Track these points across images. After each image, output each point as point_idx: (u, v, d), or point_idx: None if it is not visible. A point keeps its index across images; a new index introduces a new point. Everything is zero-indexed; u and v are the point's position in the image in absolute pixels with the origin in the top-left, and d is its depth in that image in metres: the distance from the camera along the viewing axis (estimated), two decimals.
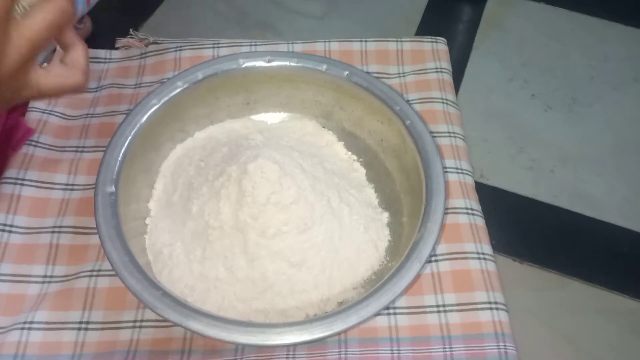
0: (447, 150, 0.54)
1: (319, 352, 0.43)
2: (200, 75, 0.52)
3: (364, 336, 0.44)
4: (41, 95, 0.34)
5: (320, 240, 0.45)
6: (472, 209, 0.50)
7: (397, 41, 0.62)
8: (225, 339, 0.38)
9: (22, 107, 0.55)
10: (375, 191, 0.52)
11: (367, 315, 0.39)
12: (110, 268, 0.41)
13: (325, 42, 0.61)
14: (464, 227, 0.49)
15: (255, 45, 0.61)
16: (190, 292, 0.44)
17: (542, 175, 0.57)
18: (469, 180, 0.52)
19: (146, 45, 0.63)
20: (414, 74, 0.59)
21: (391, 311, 0.45)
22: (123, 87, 0.58)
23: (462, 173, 0.52)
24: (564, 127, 0.61)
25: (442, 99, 0.57)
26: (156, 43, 0.63)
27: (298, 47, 0.61)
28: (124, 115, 0.51)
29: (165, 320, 0.39)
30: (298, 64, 0.53)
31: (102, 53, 0.61)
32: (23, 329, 0.43)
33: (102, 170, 0.46)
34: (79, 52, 0.36)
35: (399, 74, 0.60)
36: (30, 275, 0.46)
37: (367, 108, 0.53)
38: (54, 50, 0.58)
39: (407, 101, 0.51)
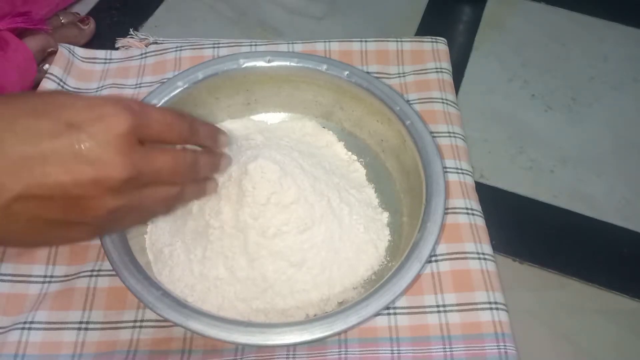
0: (447, 150, 0.54)
1: (318, 352, 0.43)
2: (200, 76, 0.52)
3: (364, 336, 0.44)
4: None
5: (320, 240, 0.45)
6: (472, 209, 0.50)
7: (397, 41, 0.62)
8: (225, 339, 0.39)
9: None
10: (375, 191, 0.52)
11: (367, 315, 0.40)
12: (111, 268, 0.41)
13: (325, 42, 0.61)
14: (464, 227, 0.49)
15: (256, 45, 0.61)
16: (191, 291, 0.44)
17: (541, 176, 0.57)
18: (469, 180, 0.53)
19: (146, 46, 0.63)
20: (414, 74, 0.59)
21: (391, 311, 0.45)
22: (123, 87, 0.58)
23: (462, 173, 0.52)
24: (564, 127, 0.61)
25: (442, 99, 0.57)
26: (156, 43, 0.63)
27: (298, 47, 0.61)
28: None
29: (166, 320, 0.39)
30: (298, 64, 0.53)
31: (102, 53, 0.61)
32: (23, 328, 0.43)
33: None
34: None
35: (399, 74, 0.60)
36: (30, 275, 0.46)
37: (367, 108, 0.53)
38: (54, 52, 0.59)
39: (407, 101, 0.51)
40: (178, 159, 0.34)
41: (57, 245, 0.31)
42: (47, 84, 0.56)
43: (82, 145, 0.26)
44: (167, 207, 0.35)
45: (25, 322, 0.44)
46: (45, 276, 0.46)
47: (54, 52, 0.59)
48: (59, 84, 0.57)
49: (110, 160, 0.27)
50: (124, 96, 0.30)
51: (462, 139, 0.55)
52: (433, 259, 0.47)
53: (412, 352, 0.43)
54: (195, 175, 0.36)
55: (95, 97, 0.28)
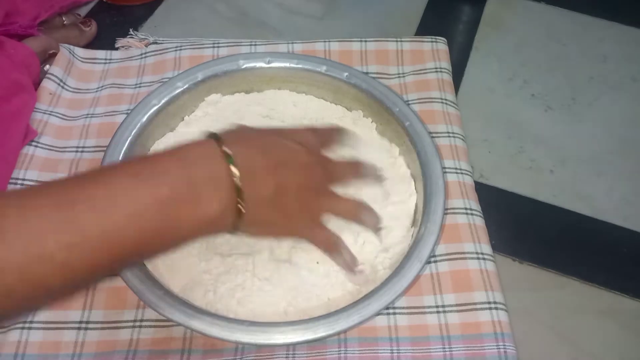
0: (446, 150, 0.54)
1: (318, 351, 0.43)
2: (200, 76, 0.52)
3: (364, 335, 0.44)
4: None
5: None
6: (471, 209, 0.50)
7: (397, 41, 0.62)
8: (227, 339, 0.39)
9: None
10: None
11: (368, 315, 0.40)
12: None
13: (325, 42, 0.61)
14: (463, 227, 0.49)
15: (255, 45, 0.61)
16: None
17: (541, 175, 0.57)
18: (468, 180, 0.52)
19: (146, 45, 0.63)
20: (413, 74, 0.59)
21: (390, 311, 0.45)
22: (123, 87, 0.58)
23: (461, 173, 0.52)
24: (564, 127, 0.61)
25: (442, 99, 0.57)
26: (156, 43, 0.63)
27: (298, 47, 0.61)
28: (124, 115, 0.51)
29: (168, 320, 0.39)
30: (297, 65, 0.53)
31: (102, 53, 0.61)
32: (23, 328, 0.43)
33: None
34: None
35: (398, 74, 0.60)
36: None
37: (367, 109, 0.53)
38: (55, 54, 0.59)
39: (406, 102, 0.51)
40: (352, 164, 0.45)
41: (286, 235, 0.44)
42: (47, 84, 0.56)
43: (296, 148, 0.39)
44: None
45: (25, 322, 0.44)
46: None
47: (55, 54, 0.59)
48: (59, 84, 0.57)
49: (310, 158, 0.40)
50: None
51: (462, 139, 0.55)
52: (432, 259, 0.47)
53: (412, 352, 0.43)
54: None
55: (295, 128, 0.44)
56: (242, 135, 0.39)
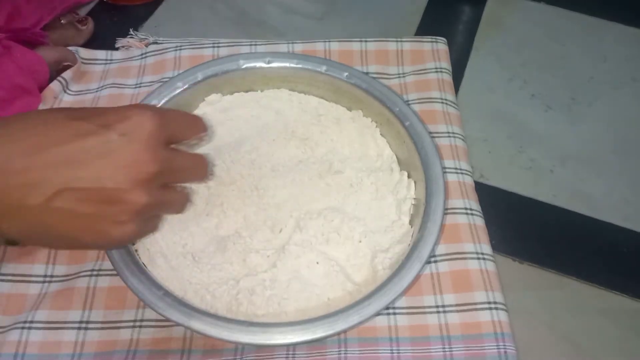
0: (446, 150, 0.54)
1: (318, 351, 0.43)
2: (200, 76, 0.52)
3: (364, 336, 0.44)
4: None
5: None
6: (471, 209, 0.50)
7: (397, 41, 0.62)
8: (227, 339, 0.39)
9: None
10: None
11: (368, 315, 0.40)
12: (111, 267, 0.41)
13: (325, 42, 0.61)
14: (463, 227, 0.49)
15: (255, 45, 0.61)
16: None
17: (541, 175, 0.57)
18: (469, 180, 0.53)
19: (146, 45, 0.63)
20: (413, 74, 0.59)
21: (391, 311, 0.45)
22: (123, 87, 0.58)
23: (462, 173, 0.52)
24: (564, 127, 0.61)
25: (442, 99, 0.57)
26: (156, 43, 0.63)
27: (298, 47, 0.61)
28: None
29: (168, 320, 0.39)
30: (297, 65, 0.53)
31: (102, 54, 0.61)
32: (23, 328, 0.43)
33: None
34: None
35: (398, 74, 0.60)
36: (30, 275, 0.46)
37: (367, 109, 0.53)
38: (69, 66, 0.58)
39: (406, 102, 0.51)
40: (198, 160, 0.37)
41: (92, 247, 0.36)
42: (54, 86, 0.57)
43: (114, 142, 0.30)
44: (181, 209, 0.38)
45: (25, 322, 0.44)
46: (45, 276, 0.46)
47: (70, 66, 0.58)
48: (63, 88, 0.57)
49: (140, 155, 0.30)
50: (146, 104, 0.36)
51: (462, 139, 0.55)
52: (432, 259, 0.47)
53: (412, 352, 0.43)
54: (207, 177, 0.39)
55: (124, 105, 0.33)
56: (9, 120, 0.30)
